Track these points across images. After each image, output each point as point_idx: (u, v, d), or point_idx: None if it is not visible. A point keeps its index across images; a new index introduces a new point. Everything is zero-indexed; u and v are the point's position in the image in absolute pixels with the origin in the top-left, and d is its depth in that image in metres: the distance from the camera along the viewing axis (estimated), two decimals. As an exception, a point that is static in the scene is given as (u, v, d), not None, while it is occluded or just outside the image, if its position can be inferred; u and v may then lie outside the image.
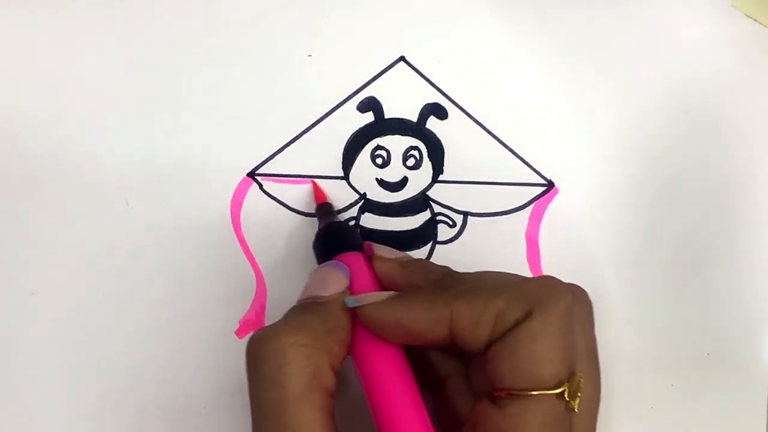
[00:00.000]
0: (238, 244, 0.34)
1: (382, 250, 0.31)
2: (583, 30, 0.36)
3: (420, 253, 0.35)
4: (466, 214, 0.35)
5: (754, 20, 0.37)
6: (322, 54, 0.35)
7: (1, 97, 0.34)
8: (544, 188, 0.35)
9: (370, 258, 0.30)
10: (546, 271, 0.35)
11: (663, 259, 0.36)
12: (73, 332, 0.34)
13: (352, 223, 0.35)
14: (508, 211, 0.35)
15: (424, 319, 0.27)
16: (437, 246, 0.35)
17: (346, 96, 0.35)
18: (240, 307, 0.34)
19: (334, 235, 0.32)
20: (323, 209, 0.34)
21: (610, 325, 0.35)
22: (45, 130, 0.34)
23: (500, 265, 0.34)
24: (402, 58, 0.35)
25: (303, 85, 0.35)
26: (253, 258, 0.34)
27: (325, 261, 0.31)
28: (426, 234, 0.35)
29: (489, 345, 0.26)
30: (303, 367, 0.26)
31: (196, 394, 0.34)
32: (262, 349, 0.26)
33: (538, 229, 0.35)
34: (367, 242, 0.31)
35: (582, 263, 0.35)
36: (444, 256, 0.35)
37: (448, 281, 0.29)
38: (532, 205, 0.35)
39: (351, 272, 0.29)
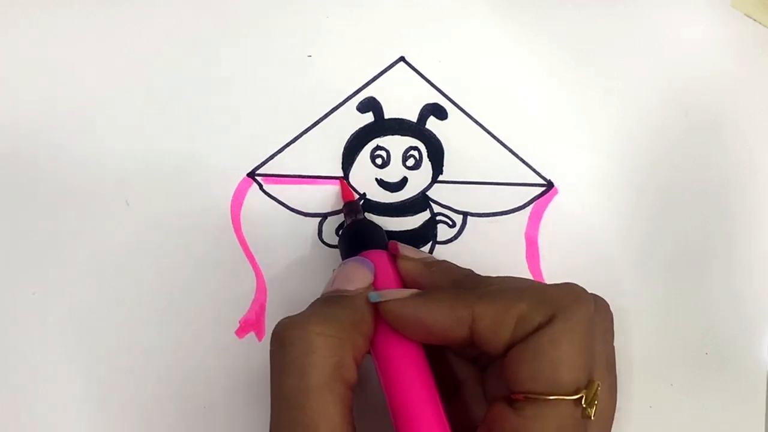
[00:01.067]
0: (238, 244, 0.34)
1: (407, 250, 0.31)
2: (583, 30, 0.36)
3: (420, 253, 0.35)
4: (465, 214, 0.35)
5: (754, 20, 0.37)
6: (322, 54, 0.35)
7: (1, 97, 0.34)
8: (543, 188, 0.35)
9: (394, 256, 0.31)
10: (546, 270, 0.35)
11: (662, 259, 0.36)
12: (74, 332, 0.34)
13: (352, 223, 0.35)
14: (508, 211, 0.35)
15: (446, 318, 0.27)
16: (437, 246, 0.35)
17: (346, 96, 0.35)
18: (240, 307, 0.34)
19: (360, 233, 0.32)
20: (350, 207, 0.34)
21: (609, 325, 0.35)
22: (45, 130, 0.34)
23: (500, 265, 0.34)
24: (402, 58, 0.35)
25: (303, 85, 0.35)
26: (253, 258, 0.34)
27: (350, 257, 0.31)
28: (426, 234, 0.35)
29: (509, 348, 0.26)
30: (328, 357, 0.26)
31: (196, 394, 0.34)
32: (289, 336, 0.26)
33: (537, 229, 0.35)
34: (393, 241, 0.32)
35: (581, 263, 0.35)
36: (444, 256, 0.35)
37: (471, 283, 0.29)
38: (531, 205, 0.35)
39: (375, 269, 0.30)
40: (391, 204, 0.35)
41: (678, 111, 0.36)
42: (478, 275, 0.30)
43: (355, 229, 0.33)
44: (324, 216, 0.35)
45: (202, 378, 0.34)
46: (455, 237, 0.35)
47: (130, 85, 0.35)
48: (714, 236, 0.36)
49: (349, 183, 0.35)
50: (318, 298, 0.29)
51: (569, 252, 0.35)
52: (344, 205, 0.34)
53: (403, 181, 0.35)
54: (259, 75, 0.35)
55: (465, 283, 0.29)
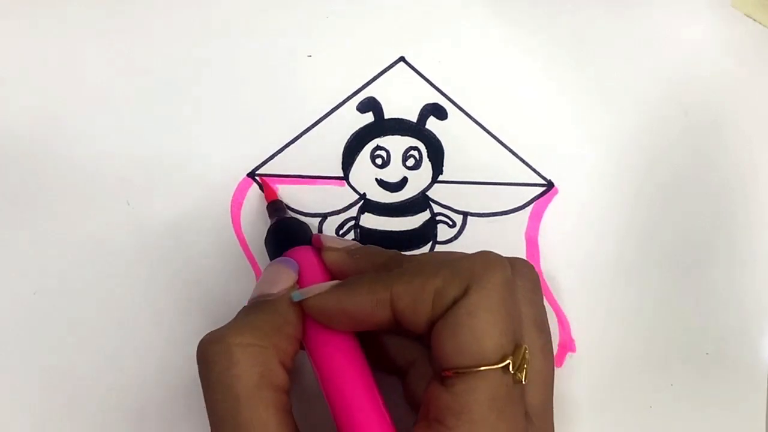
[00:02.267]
0: (238, 244, 0.34)
1: (330, 241, 0.31)
2: (582, 30, 0.36)
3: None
4: (465, 214, 0.35)
5: (754, 20, 0.37)
6: (322, 54, 0.35)
7: (1, 97, 0.35)
8: (544, 188, 0.35)
9: (319, 250, 0.30)
10: (546, 271, 0.35)
11: (662, 259, 0.36)
12: (74, 332, 0.34)
13: (352, 223, 0.35)
14: (508, 211, 0.35)
15: (366, 304, 0.27)
16: (437, 246, 0.35)
17: (346, 96, 0.35)
18: (240, 307, 0.34)
19: (283, 231, 0.32)
20: (274, 206, 0.33)
21: (609, 325, 0.35)
22: (45, 130, 0.34)
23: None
24: (402, 58, 0.35)
25: (303, 85, 0.35)
26: (253, 258, 0.34)
27: (276, 257, 0.31)
28: (426, 234, 0.35)
29: (432, 325, 0.26)
30: (251, 367, 0.26)
31: (196, 394, 0.33)
32: (209, 352, 0.26)
33: (537, 229, 0.35)
34: (316, 234, 0.32)
35: (581, 263, 0.35)
36: (444, 256, 0.35)
37: (393, 264, 0.29)
38: (531, 205, 0.35)
39: (300, 266, 0.29)
40: (391, 204, 0.35)
41: (678, 111, 0.36)
42: (402, 255, 0.30)
43: (279, 228, 0.32)
44: (324, 216, 0.35)
45: (202, 378, 0.34)
46: (455, 237, 0.35)
47: (131, 85, 0.35)
48: (714, 236, 0.36)
49: (349, 183, 0.35)
50: (243, 307, 0.29)
51: (569, 252, 0.35)
52: (267, 206, 0.34)
53: (403, 181, 0.35)
54: (260, 75, 0.35)
55: (389, 266, 0.29)
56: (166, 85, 0.35)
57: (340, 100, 0.35)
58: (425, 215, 0.35)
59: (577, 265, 0.35)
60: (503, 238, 0.35)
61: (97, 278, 0.34)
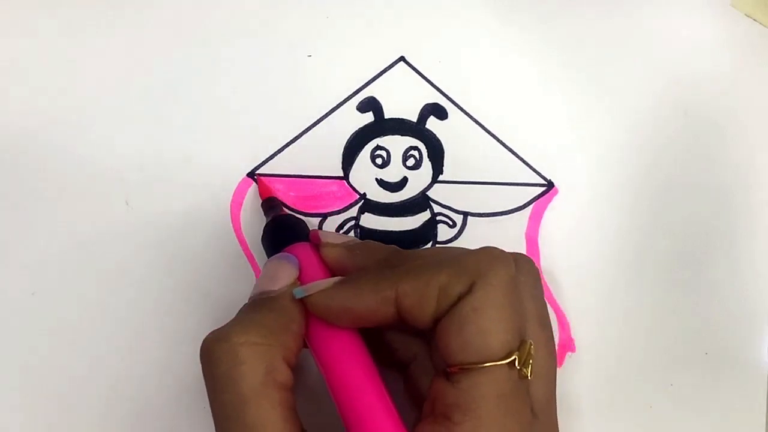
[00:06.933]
0: (238, 244, 0.34)
1: (329, 237, 0.31)
2: (582, 30, 0.36)
3: (420, 253, 0.35)
4: (466, 214, 0.35)
5: (754, 20, 0.37)
6: (322, 54, 0.35)
7: (1, 96, 0.34)
8: (543, 188, 0.35)
9: (317, 246, 0.30)
10: (546, 271, 0.35)
11: (662, 259, 0.36)
12: (74, 332, 0.34)
13: (352, 223, 0.35)
14: (508, 211, 0.35)
15: (371, 301, 0.27)
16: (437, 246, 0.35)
17: (346, 96, 0.35)
18: (240, 307, 0.34)
19: (280, 228, 0.32)
20: (269, 203, 0.33)
21: (609, 325, 0.35)
22: (45, 129, 0.34)
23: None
24: (402, 58, 0.35)
25: (303, 85, 0.35)
26: (253, 258, 0.34)
27: (273, 254, 0.31)
28: (426, 234, 0.35)
29: (437, 321, 0.26)
30: (257, 365, 0.26)
31: (196, 393, 0.34)
32: (214, 351, 0.26)
33: (537, 229, 0.35)
34: (314, 230, 0.32)
35: (581, 263, 0.35)
36: (444, 256, 0.35)
37: (394, 260, 0.29)
38: (531, 206, 0.35)
39: (300, 262, 0.29)
40: (391, 204, 0.35)
41: (678, 111, 0.36)
42: (403, 251, 0.30)
43: (276, 225, 0.32)
44: (324, 216, 0.35)
45: (202, 378, 0.34)
46: (455, 237, 0.35)
47: (131, 85, 0.35)
48: (714, 236, 0.36)
49: (349, 183, 0.35)
50: (245, 304, 0.29)
51: (569, 252, 0.35)
52: (262, 203, 0.34)
53: (403, 181, 0.35)
54: (259, 75, 0.35)
55: (390, 261, 0.29)
56: (166, 85, 0.35)
57: (340, 100, 0.35)
58: (425, 215, 0.35)
59: (577, 265, 0.35)
60: (503, 238, 0.35)
61: (96, 278, 0.34)
